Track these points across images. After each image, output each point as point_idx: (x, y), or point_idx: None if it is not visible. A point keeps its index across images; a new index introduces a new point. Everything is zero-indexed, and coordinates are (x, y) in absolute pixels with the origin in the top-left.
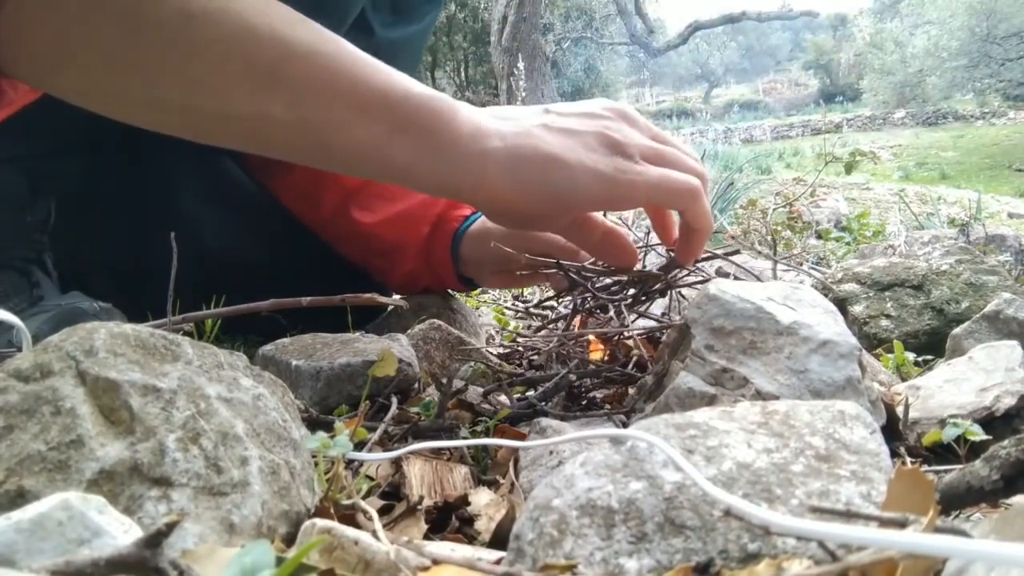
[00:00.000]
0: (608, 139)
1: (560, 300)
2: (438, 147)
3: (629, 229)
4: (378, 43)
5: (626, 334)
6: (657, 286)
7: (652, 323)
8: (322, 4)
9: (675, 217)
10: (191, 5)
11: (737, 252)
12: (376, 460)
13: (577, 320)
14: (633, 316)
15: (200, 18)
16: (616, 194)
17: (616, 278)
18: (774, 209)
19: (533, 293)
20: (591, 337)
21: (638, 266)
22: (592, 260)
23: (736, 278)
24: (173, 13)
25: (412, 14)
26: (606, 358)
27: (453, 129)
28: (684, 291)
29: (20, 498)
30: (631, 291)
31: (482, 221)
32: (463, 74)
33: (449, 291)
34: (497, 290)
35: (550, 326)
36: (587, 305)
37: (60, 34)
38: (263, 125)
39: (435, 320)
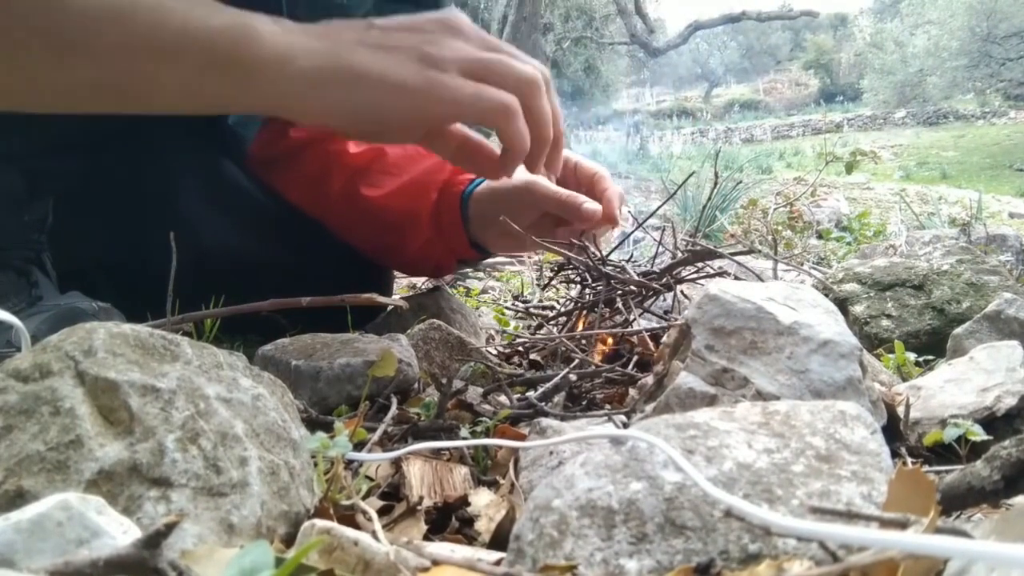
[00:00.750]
0: (424, 53)
1: (564, 293)
2: (244, 76)
3: (636, 219)
4: None
5: (630, 331)
6: (664, 280)
7: (655, 320)
8: (327, 12)
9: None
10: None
11: (749, 252)
12: (376, 460)
13: (580, 317)
14: (639, 311)
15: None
16: (425, 110)
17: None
18: (775, 209)
19: (533, 293)
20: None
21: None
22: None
23: (737, 278)
24: None
25: None
26: (610, 352)
27: (255, 55)
28: (687, 290)
29: (19, 498)
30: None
31: (488, 182)
32: None
33: (449, 291)
34: (505, 278)
35: (551, 323)
36: (591, 297)
37: None
38: (79, 91)
39: (435, 320)
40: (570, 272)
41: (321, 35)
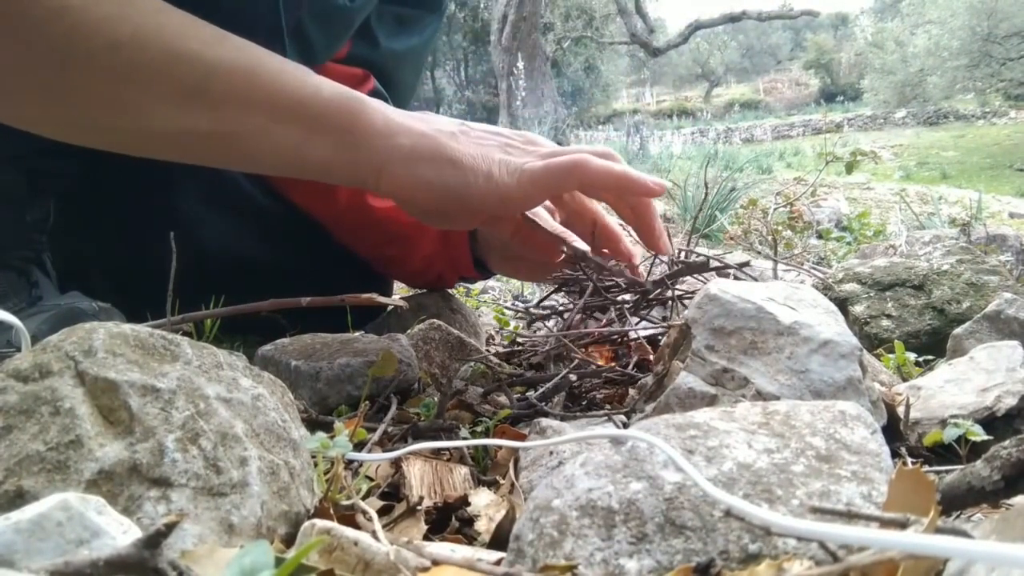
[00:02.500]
0: (504, 150)
1: (562, 298)
2: (350, 142)
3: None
4: (382, 54)
5: (629, 336)
6: (656, 292)
7: (653, 326)
8: (330, 13)
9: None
10: (118, 35)
11: (746, 264)
12: (376, 460)
13: (577, 319)
14: (635, 320)
15: (126, 47)
16: (505, 193)
17: (614, 278)
18: (775, 209)
19: (533, 293)
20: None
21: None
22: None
23: (736, 278)
24: (101, 45)
25: (415, 25)
26: (609, 362)
27: (365, 125)
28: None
29: (19, 498)
30: (630, 296)
31: None
32: (463, 73)
33: (449, 292)
34: (505, 278)
35: (549, 324)
36: (588, 304)
37: None
38: (190, 138)
39: (435, 320)
40: (565, 285)
41: (419, 120)
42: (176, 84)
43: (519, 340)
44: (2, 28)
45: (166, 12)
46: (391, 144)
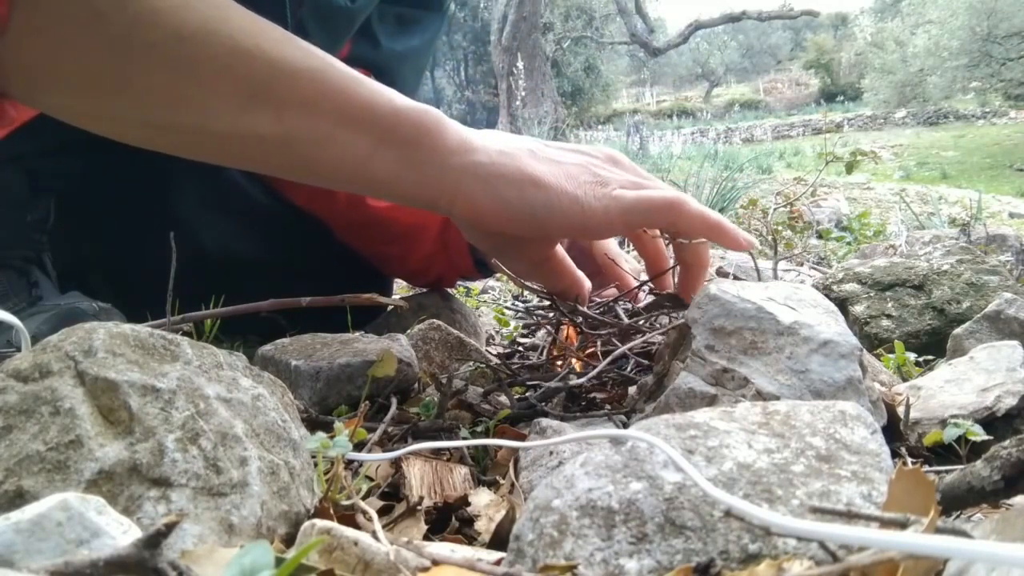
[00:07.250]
0: (590, 172)
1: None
2: (422, 159)
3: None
4: (383, 54)
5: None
6: (634, 320)
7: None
8: (331, 13)
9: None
10: (183, 28)
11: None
12: (376, 460)
13: (567, 332)
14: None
15: (191, 40)
16: (591, 220)
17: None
18: (775, 209)
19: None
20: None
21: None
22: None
23: (736, 278)
24: (165, 36)
25: (417, 25)
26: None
27: (438, 141)
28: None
29: (19, 498)
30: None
31: None
32: (463, 73)
33: (449, 292)
34: (506, 278)
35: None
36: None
37: (53, 56)
38: (249, 141)
39: (435, 320)
40: (542, 319)
41: (495, 137)
42: (240, 82)
43: (519, 342)
44: (61, 13)
45: (232, 7)
46: (467, 161)
